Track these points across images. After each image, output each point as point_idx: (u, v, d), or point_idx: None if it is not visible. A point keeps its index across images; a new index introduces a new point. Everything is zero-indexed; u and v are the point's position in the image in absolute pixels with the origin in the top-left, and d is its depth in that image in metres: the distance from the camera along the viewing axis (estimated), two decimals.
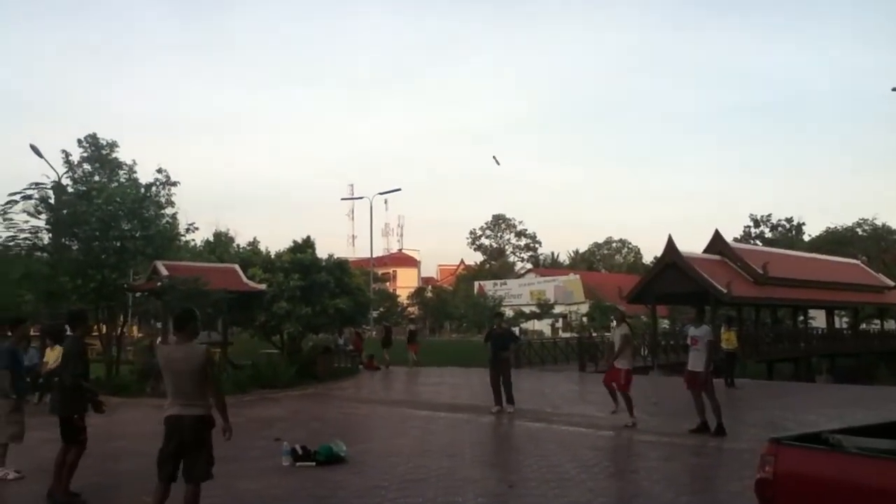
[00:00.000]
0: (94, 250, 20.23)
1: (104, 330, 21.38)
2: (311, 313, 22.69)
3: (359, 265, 47.56)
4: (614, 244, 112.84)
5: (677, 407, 15.18)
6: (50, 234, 20.60)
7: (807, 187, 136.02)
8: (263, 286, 22.64)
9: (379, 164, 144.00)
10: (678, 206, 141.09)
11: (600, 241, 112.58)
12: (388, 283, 78.23)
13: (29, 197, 19.51)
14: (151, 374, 18.43)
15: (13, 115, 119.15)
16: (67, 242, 20.97)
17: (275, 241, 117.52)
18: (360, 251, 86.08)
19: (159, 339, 20.83)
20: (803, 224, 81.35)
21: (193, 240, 39.57)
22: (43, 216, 20.42)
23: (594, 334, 39.81)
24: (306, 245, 25.24)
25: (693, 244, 39.01)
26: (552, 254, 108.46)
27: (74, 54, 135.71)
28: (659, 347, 34.13)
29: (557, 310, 68.49)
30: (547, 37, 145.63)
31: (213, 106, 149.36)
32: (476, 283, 77.52)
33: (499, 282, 78.59)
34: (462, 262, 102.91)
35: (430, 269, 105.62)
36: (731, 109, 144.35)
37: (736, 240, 58.24)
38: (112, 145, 39.01)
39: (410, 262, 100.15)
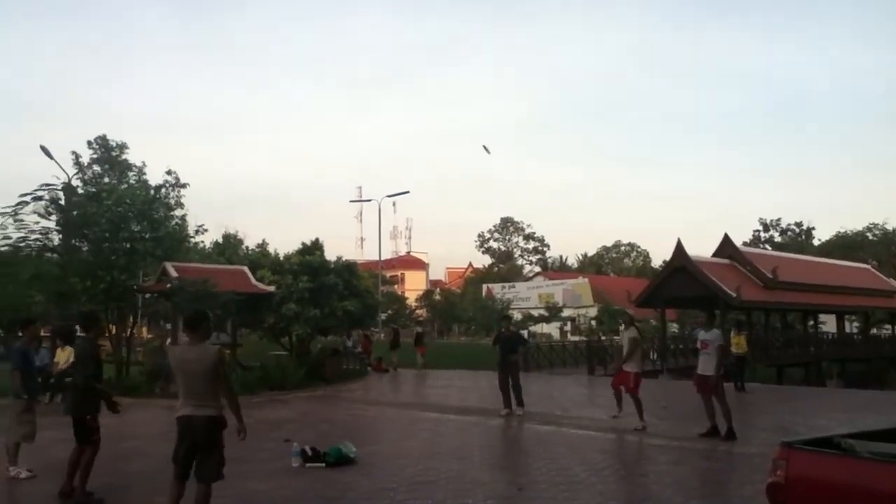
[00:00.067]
0: (104, 251, 20.31)
1: (114, 331, 21.46)
2: (319, 315, 22.73)
3: (367, 268, 47.58)
4: (623, 248, 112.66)
5: (687, 411, 15.15)
6: (60, 236, 20.68)
7: (816, 192, 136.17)
8: (272, 288, 22.70)
9: (385, 167, 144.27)
10: (687, 210, 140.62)
11: (609, 244, 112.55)
12: (396, 286, 78.32)
13: (39, 198, 19.60)
14: (161, 374, 18.51)
15: (15, 115, 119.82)
16: (77, 244, 21.06)
17: (283, 244, 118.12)
18: (368, 254, 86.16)
19: (169, 340, 20.91)
20: (813, 228, 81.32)
21: (202, 241, 39.87)
22: (53, 217, 20.53)
23: (603, 338, 39.71)
24: (315, 247, 25.31)
25: (701, 248, 38.96)
26: (560, 257, 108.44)
27: (75, 54, 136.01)
28: (668, 351, 34.00)
29: (566, 313, 68.41)
30: (548, 37, 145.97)
31: (216, 107, 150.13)
32: (484, 286, 77.48)
33: (507, 285, 78.58)
34: (470, 264, 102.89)
35: (438, 272, 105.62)
36: (737, 112, 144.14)
37: (745, 244, 58.02)
38: (122, 147, 39.31)
39: (419, 264, 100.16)
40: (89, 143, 38.96)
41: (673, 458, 10.52)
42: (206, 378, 6.16)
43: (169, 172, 33.66)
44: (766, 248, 68.13)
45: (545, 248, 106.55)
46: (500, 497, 8.05)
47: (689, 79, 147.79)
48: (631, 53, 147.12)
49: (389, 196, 54.17)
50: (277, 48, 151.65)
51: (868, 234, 74.69)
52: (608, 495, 8.16)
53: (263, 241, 56.17)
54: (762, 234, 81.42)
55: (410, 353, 29.69)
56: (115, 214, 20.46)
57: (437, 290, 79.29)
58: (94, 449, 7.87)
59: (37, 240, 19.88)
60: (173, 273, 20.80)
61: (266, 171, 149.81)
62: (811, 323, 45.57)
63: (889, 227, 74.05)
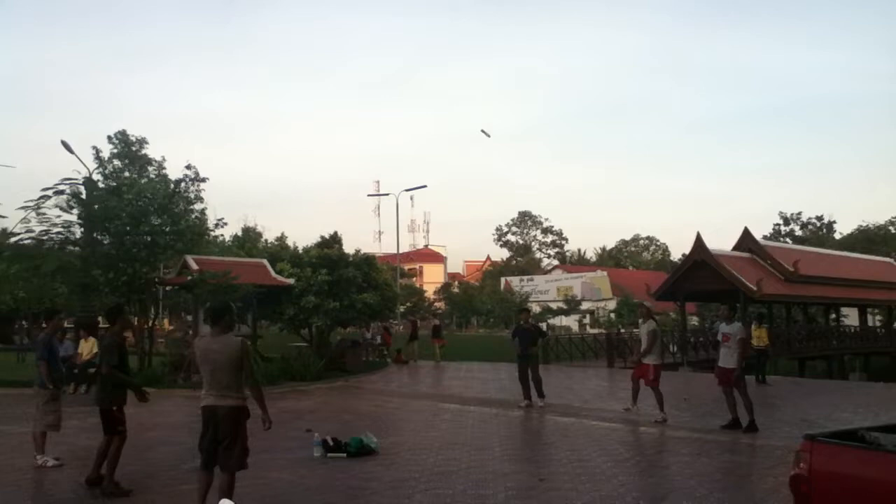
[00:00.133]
0: (126, 244, 20.48)
1: (136, 322, 21.64)
2: (338, 307, 22.79)
3: (385, 261, 47.72)
4: (642, 241, 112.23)
5: (708, 403, 15.12)
6: (82, 229, 20.86)
7: (838, 186, 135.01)
8: (291, 281, 22.78)
9: (402, 163, 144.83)
10: (706, 204, 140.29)
11: (628, 238, 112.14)
12: (414, 279, 78.47)
13: (61, 192, 19.74)
14: (182, 365, 18.67)
15: (37, 111, 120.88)
16: (99, 237, 21.22)
17: (302, 237, 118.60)
18: (386, 247, 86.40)
19: (191, 332, 21.07)
20: (834, 222, 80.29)
21: (222, 235, 40.08)
22: (75, 211, 20.73)
23: (622, 330, 39.58)
24: (333, 240, 25.42)
25: (720, 242, 38.67)
26: (579, 250, 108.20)
27: (99, 54, 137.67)
28: (688, 344, 33.84)
29: (584, 306, 68.28)
30: (572, 37, 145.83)
31: (237, 105, 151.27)
32: (502, 279, 77.48)
33: (525, 277, 78.53)
34: (488, 257, 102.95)
35: (456, 266, 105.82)
36: (759, 110, 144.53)
37: (765, 237, 57.58)
38: (141, 142, 39.56)
39: (437, 257, 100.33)
40: (109, 137, 39.25)
41: (694, 450, 10.48)
42: (231, 369, 6.21)
43: (188, 167, 33.87)
44: (786, 242, 67.57)
45: (563, 242, 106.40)
46: (521, 488, 8.04)
47: (709, 78, 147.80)
48: (654, 54, 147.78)
49: (407, 190, 54.26)
50: (297, 48, 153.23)
51: (890, 228, 73.86)
52: (630, 487, 8.14)
53: (282, 234, 56.55)
54: (782, 228, 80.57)
55: (429, 346, 29.73)
56: (136, 208, 20.64)
57: (456, 282, 79.37)
58: (121, 439, 7.94)
59: (59, 233, 20.03)
60: (194, 266, 20.95)
61: (289, 169, 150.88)
62: (833, 316, 45.18)
63: None
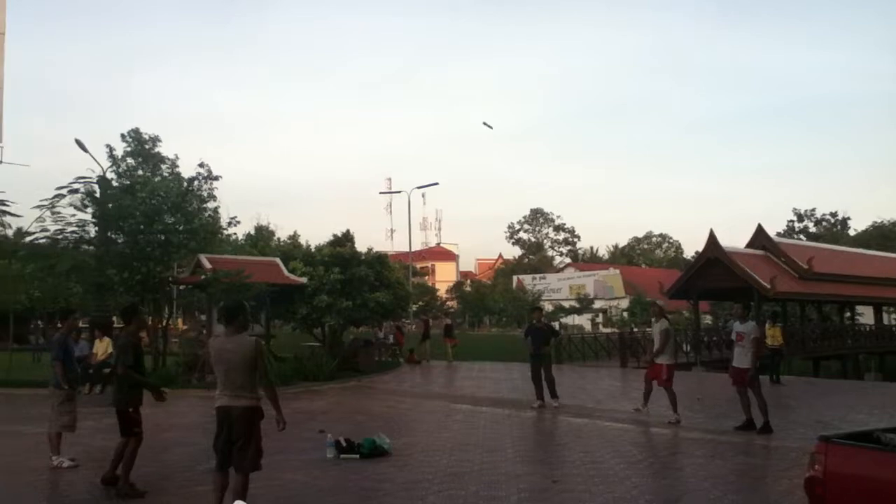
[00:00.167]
0: (139, 243, 20.53)
1: (150, 322, 21.71)
2: (351, 306, 22.80)
3: (397, 259, 47.71)
4: (654, 239, 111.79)
5: (721, 404, 15.05)
6: (96, 228, 20.94)
7: (852, 184, 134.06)
8: (304, 279, 22.80)
9: (405, 162, 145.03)
10: (719, 201, 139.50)
11: (640, 235, 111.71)
12: (426, 277, 78.48)
13: (75, 191, 19.82)
14: (196, 365, 18.74)
15: (52, 110, 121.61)
16: (113, 236, 21.30)
17: (314, 235, 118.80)
18: (398, 245, 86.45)
19: (204, 331, 21.13)
20: (848, 219, 79.62)
21: (235, 233, 40.13)
22: (89, 210, 20.81)
23: (635, 329, 39.47)
24: (346, 238, 25.43)
25: (734, 240, 38.46)
26: (591, 248, 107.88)
27: (108, 53, 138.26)
28: (702, 343, 33.68)
29: (597, 305, 68.09)
30: (567, 36, 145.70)
31: (247, 104, 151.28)
32: (515, 277, 77.32)
33: (538, 276, 78.35)
34: (500, 255, 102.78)
35: (468, 264, 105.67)
36: (771, 108, 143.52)
37: (779, 234, 57.25)
38: (154, 140, 39.61)
39: (449, 256, 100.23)
40: (123, 136, 39.34)
41: (708, 451, 10.43)
42: (245, 369, 6.21)
43: (202, 165, 33.91)
44: (800, 239, 67.12)
45: (575, 239, 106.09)
46: (534, 490, 8.03)
47: (709, 78, 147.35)
48: (654, 54, 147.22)
49: (419, 188, 54.10)
50: (298, 48, 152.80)
51: None
52: (644, 489, 8.11)
53: (295, 232, 56.63)
54: (796, 225, 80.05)
55: (441, 345, 29.73)
56: (150, 207, 20.69)
57: (468, 281, 79.31)
58: (137, 441, 7.95)
59: (73, 232, 20.12)
60: (207, 265, 20.97)
61: (295, 166, 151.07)
62: (848, 315, 44.86)
63: None
